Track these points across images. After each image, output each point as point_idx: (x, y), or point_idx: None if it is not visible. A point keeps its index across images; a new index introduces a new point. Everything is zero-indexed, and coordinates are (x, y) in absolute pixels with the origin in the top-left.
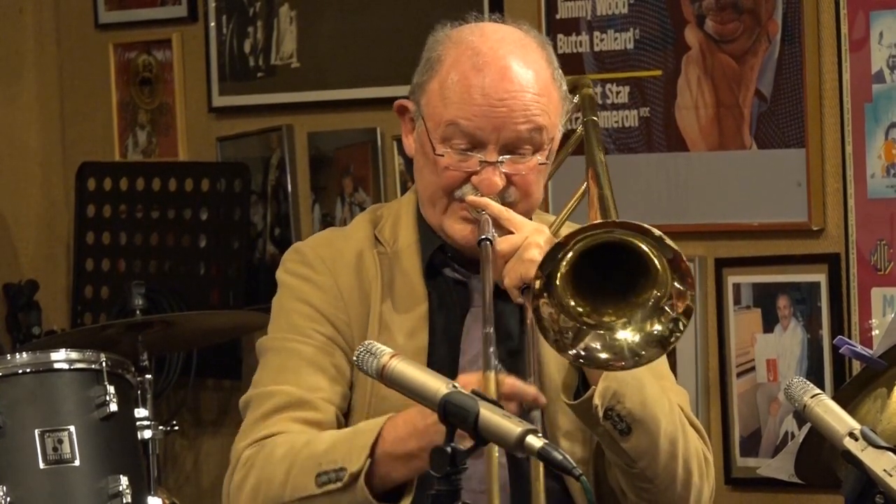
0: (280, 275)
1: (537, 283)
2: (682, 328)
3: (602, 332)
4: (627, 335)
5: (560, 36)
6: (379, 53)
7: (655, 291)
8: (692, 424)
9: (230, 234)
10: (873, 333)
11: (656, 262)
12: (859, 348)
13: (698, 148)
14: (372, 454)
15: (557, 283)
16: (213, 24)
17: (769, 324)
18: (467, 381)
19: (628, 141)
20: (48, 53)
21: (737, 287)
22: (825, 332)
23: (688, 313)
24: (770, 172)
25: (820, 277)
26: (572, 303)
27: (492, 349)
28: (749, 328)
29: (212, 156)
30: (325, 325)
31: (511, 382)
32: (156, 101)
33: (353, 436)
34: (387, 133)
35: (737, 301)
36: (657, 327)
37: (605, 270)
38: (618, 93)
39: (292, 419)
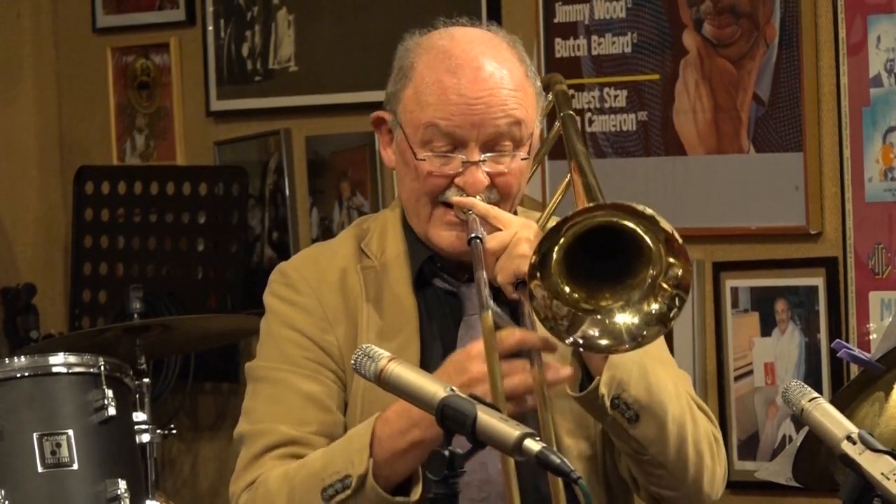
0: (266, 298)
1: (532, 259)
2: (680, 304)
3: (600, 316)
4: (626, 318)
5: (558, 40)
6: (377, 57)
7: (651, 270)
8: (699, 406)
9: (228, 237)
10: (871, 337)
11: (649, 241)
12: (857, 352)
13: (696, 152)
14: (371, 454)
15: (552, 269)
16: (210, 28)
17: (767, 327)
18: (473, 346)
19: (626, 145)
20: (46, 57)
21: (735, 291)
22: (823, 335)
23: (685, 287)
24: (768, 176)
25: (818, 281)
26: (567, 289)
27: (486, 290)
28: (747, 332)
29: (210, 159)
30: (314, 351)
31: (519, 334)
32: (154, 104)
33: (346, 443)
34: None
35: (735, 304)
36: (655, 306)
37: (599, 256)
38: (616, 97)
39: (283, 456)
